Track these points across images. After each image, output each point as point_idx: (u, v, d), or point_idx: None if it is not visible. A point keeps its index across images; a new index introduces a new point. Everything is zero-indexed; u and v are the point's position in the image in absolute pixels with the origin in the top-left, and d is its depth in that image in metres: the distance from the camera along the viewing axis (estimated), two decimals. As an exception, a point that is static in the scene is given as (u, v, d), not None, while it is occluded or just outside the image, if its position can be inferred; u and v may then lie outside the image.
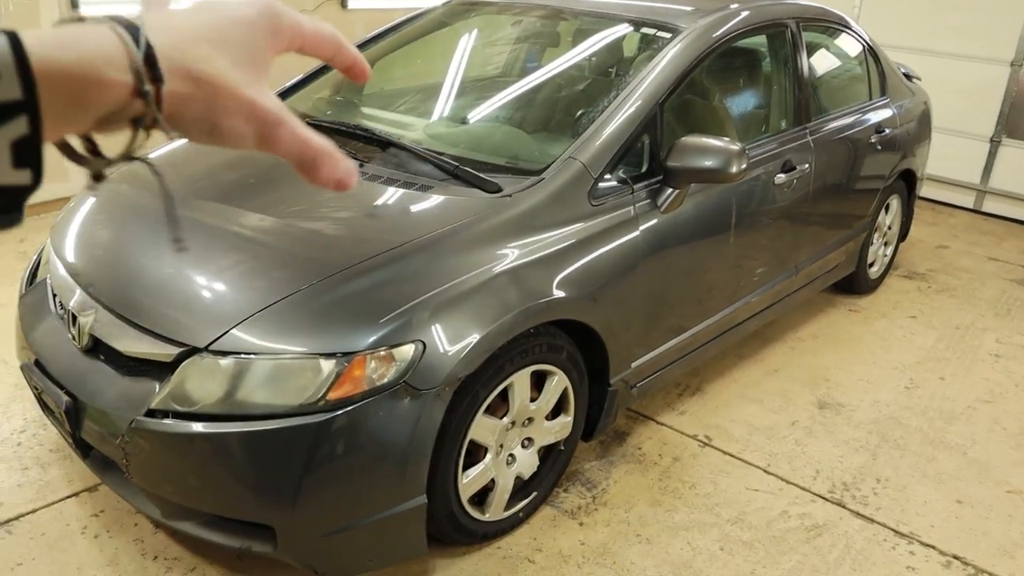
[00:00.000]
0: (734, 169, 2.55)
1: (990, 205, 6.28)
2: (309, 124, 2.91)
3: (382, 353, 1.97)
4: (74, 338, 2.30)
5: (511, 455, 2.47)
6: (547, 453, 2.62)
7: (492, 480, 2.42)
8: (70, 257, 2.48)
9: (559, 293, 2.31)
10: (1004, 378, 3.79)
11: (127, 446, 2.06)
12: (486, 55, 3.78)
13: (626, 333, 2.65)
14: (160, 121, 0.49)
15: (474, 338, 2.08)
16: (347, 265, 2.11)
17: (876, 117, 4.09)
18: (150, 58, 0.47)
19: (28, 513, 2.55)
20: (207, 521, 2.12)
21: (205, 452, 1.99)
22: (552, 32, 3.58)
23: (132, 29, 0.47)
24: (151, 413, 2.03)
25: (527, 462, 2.52)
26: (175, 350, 2.04)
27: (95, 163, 0.52)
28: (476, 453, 2.35)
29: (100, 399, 2.14)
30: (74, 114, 0.46)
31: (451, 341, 2.05)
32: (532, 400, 2.42)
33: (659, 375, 2.95)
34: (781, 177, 3.23)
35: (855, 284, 4.46)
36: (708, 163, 2.56)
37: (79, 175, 5.06)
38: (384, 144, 2.68)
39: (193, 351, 2.02)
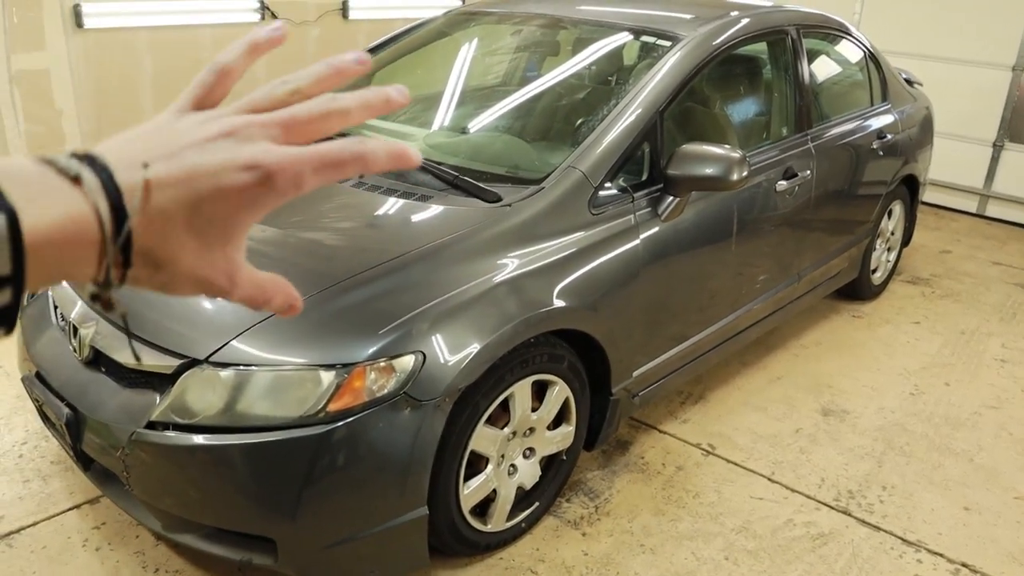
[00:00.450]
0: (735, 177, 2.54)
1: (993, 209, 6.26)
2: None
3: (382, 364, 1.96)
4: (75, 350, 2.30)
5: (513, 465, 2.46)
6: (549, 463, 2.61)
7: (494, 490, 2.41)
8: None
9: (559, 303, 2.30)
10: (1010, 383, 3.77)
11: (127, 458, 2.05)
12: (486, 65, 3.78)
13: (627, 342, 2.64)
14: (111, 293, 0.50)
15: (474, 348, 2.08)
16: (347, 276, 2.10)
17: (877, 123, 4.08)
18: (125, 252, 0.48)
19: (29, 526, 2.54)
20: (208, 533, 2.11)
21: (205, 464, 1.98)
22: (552, 41, 3.59)
23: (118, 214, 0.47)
24: (151, 425, 2.02)
25: (529, 472, 2.51)
26: (175, 362, 2.03)
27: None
28: (477, 464, 2.34)
29: (101, 411, 2.14)
30: (46, 282, 0.47)
31: (451, 352, 2.05)
32: (533, 410, 2.41)
33: (661, 383, 2.93)
34: (783, 184, 3.23)
35: (858, 290, 4.45)
36: (709, 171, 2.56)
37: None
38: (384, 154, 2.67)
39: (193, 363, 2.01)
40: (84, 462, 2.28)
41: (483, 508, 2.43)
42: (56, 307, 2.48)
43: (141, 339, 2.12)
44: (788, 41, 3.50)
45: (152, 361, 2.08)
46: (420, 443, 2.03)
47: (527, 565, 2.48)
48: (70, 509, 2.63)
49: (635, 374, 2.74)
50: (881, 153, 4.04)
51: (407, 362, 1.99)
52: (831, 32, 4.00)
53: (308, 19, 6.03)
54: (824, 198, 3.57)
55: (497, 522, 2.45)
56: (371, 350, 1.96)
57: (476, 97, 3.46)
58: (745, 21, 3.23)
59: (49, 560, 2.42)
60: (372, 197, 2.47)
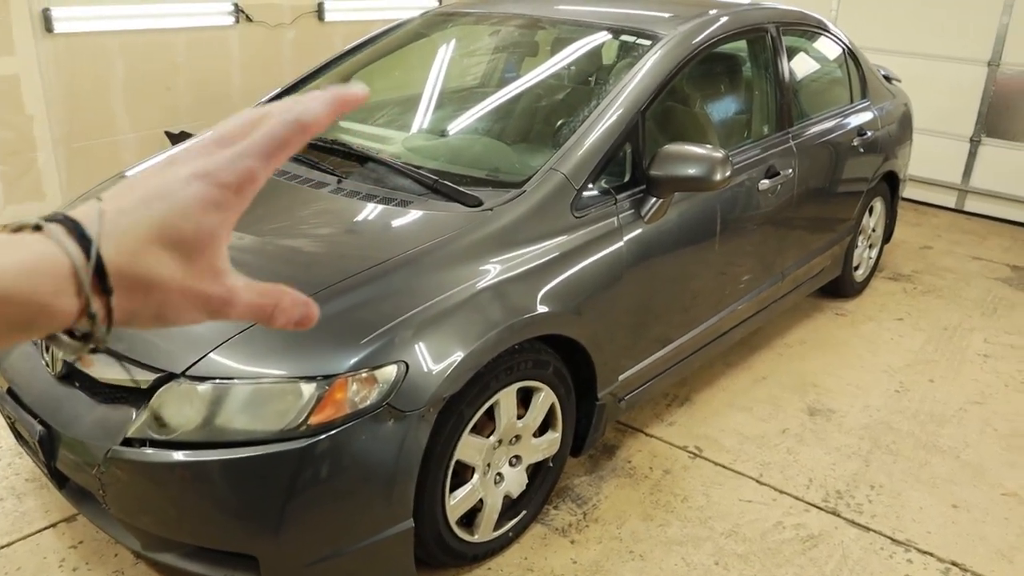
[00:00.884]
0: (718, 177, 2.52)
1: (972, 204, 6.29)
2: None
3: (364, 375, 1.92)
4: (48, 365, 2.23)
5: (499, 474, 2.42)
6: (536, 470, 2.57)
7: (480, 500, 2.36)
8: None
9: (543, 308, 2.26)
10: (993, 379, 3.77)
11: (103, 476, 2.00)
12: (464, 66, 3.74)
13: (612, 346, 2.60)
14: (104, 336, 0.51)
15: (458, 356, 2.03)
16: (326, 284, 2.05)
17: (857, 120, 4.08)
18: (101, 276, 0.48)
19: (4, 546, 2.47)
20: (188, 552, 2.05)
21: (184, 481, 1.93)
22: (530, 42, 3.55)
23: (84, 241, 0.48)
24: (128, 442, 1.96)
25: (516, 480, 2.47)
26: (151, 376, 1.98)
27: (69, 346, 0.52)
28: (463, 473, 2.30)
29: (75, 428, 2.08)
30: (18, 335, 0.48)
31: (434, 360, 2.00)
32: (519, 417, 2.37)
33: (647, 387, 2.91)
34: (765, 183, 3.21)
35: (841, 287, 4.44)
36: (692, 171, 2.53)
37: (55, 195, 4.98)
38: (362, 159, 2.63)
39: (170, 377, 1.96)
40: (59, 480, 2.22)
41: (470, 518, 2.38)
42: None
43: (116, 353, 2.06)
44: (768, 39, 3.48)
45: (127, 375, 2.02)
46: (405, 455, 1.98)
47: (516, 575, 2.44)
48: (46, 528, 2.56)
49: (621, 378, 2.70)
50: (862, 150, 4.04)
51: (389, 372, 1.94)
52: (810, 29, 3.99)
53: (284, 21, 5.96)
54: (806, 196, 3.56)
55: (484, 532, 2.41)
56: (352, 360, 1.91)
57: (455, 99, 3.42)
58: (725, 19, 3.21)
59: (24, 581, 2.35)
60: (351, 203, 2.43)
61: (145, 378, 1.98)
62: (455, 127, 3.00)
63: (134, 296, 0.50)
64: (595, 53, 3.24)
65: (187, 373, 1.94)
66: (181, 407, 1.93)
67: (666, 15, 3.19)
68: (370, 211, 2.38)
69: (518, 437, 2.41)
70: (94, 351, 0.51)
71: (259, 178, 0.54)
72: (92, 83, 5.09)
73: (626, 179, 2.65)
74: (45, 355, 2.24)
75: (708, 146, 2.60)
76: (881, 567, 2.55)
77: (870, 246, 4.63)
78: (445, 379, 2.01)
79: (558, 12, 3.40)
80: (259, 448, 1.87)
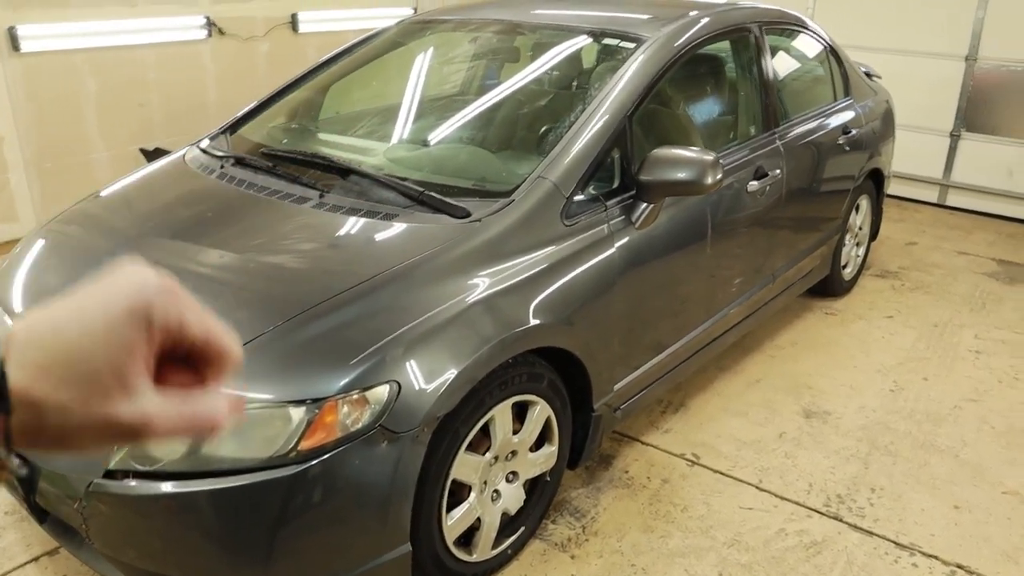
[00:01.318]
0: (709, 180, 2.47)
1: (953, 199, 6.29)
2: (265, 154, 2.82)
3: (355, 397, 1.84)
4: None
5: (496, 491, 2.35)
6: (533, 485, 2.51)
7: (478, 519, 2.29)
8: (17, 306, 2.32)
9: (536, 320, 2.20)
10: (986, 375, 3.75)
11: (85, 510, 1.91)
12: (444, 74, 3.68)
13: (607, 355, 2.55)
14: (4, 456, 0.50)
15: (451, 374, 1.97)
16: (312, 303, 1.98)
17: (842, 118, 4.05)
18: (1, 397, 0.48)
19: (-18, 585, 2.38)
20: (175, 586, 1.97)
21: (170, 514, 1.85)
22: (510, 47, 3.49)
23: None
24: (110, 474, 1.88)
25: (513, 496, 2.41)
26: (131, 405, 1.89)
27: None
28: (459, 492, 2.23)
29: (55, 460, 1.99)
30: None
31: (427, 379, 1.93)
32: (515, 432, 2.31)
33: (642, 395, 2.85)
34: (754, 184, 3.16)
35: (830, 287, 4.41)
36: (682, 175, 2.48)
37: (28, 217, 4.87)
38: (344, 172, 2.56)
39: (151, 405, 1.87)
40: (39, 515, 2.12)
41: (467, 537, 2.31)
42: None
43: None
44: (751, 38, 3.44)
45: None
46: (399, 478, 1.91)
47: (515, 594, 2.38)
48: (28, 563, 2.46)
49: (616, 388, 2.64)
50: (847, 148, 4.01)
51: (381, 393, 1.87)
52: (790, 27, 3.96)
53: (256, 34, 5.88)
54: (795, 196, 3.52)
55: (482, 551, 2.34)
56: (342, 382, 1.84)
57: (436, 108, 3.36)
58: (707, 20, 3.17)
59: (5, 621, 2.26)
60: (334, 218, 2.35)
61: (126, 407, 1.90)
62: (438, 136, 2.93)
63: (34, 420, 0.50)
64: (578, 57, 3.19)
65: (170, 400, 1.86)
66: (164, 436, 1.85)
67: (646, 17, 3.14)
68: (354, 225, 2.31)
69: (514, 452, 2.35)
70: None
71: (188, 333, 0.55)
72: (63, 102, 4.99)
73: (615, 185, 2.59)
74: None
75: (698, 149, 2.55)
76: (887, 572, 2.50)
77: (857, 244, 4.60)
78: (439, 398, 1.94)
79: (537, 17, 3.34)
80: (248, 477, 1.80)
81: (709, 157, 2.50)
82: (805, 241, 3.80)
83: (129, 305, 0.52)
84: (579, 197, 2.45)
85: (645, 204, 2.55)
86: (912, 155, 6.22)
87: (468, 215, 2.28)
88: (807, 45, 4.16)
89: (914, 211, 6.25)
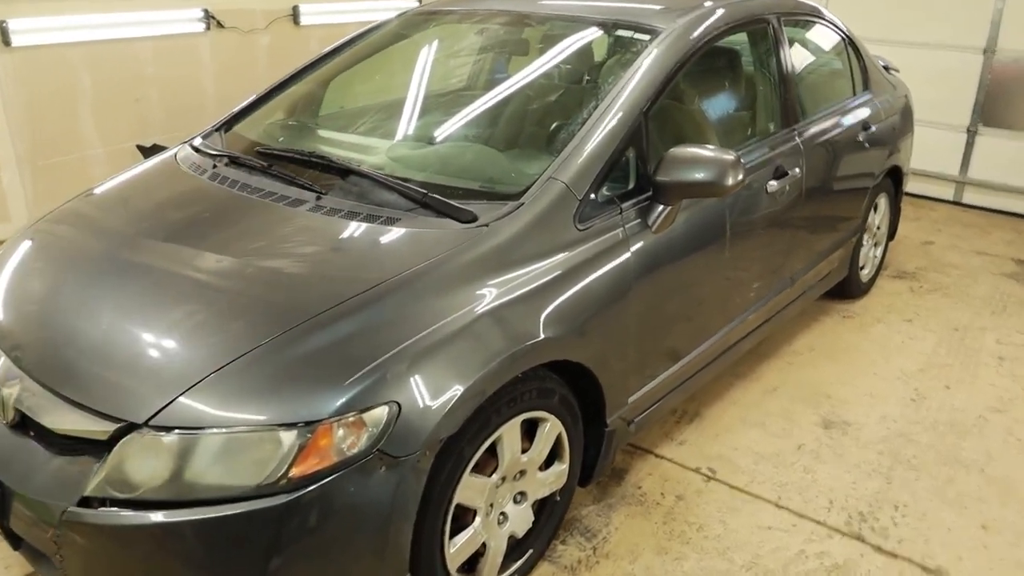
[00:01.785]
0: (730, 181, 2.32)
1: (970, 196, 6.13)
2: (260, 153, 2.67)
3: (351, 419, 1.70)
4: (-1, 412, 2.01)
5: (502, 513, 2.21)
6: (541, 505, 2.36)
7: (483, 544, 2.15)
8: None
9: (548, 332, 2.05)
10: (1011, 383, 3.60)
11: (60, 539, 1.77)
12: (449, 67, 3.53)
13: (621, 367, 2.40)
14: None
15: (456, 392, 1.82)
16: (306, 316, 1.84)
17: (862, 114, 3.89)
18: None
19: (-42, 610, 2.25)
20: (159, 619, 1.83)
21: (151, 545, 1.70)
22: (519, 40, 3.34)
23: None
24: (86, 501, 1.74)
25: (521, 518, 2.26)
26: (111, 426, 1.76)
27: None
28: (463, 516, 2.08)
29: (29, 483, 1.85)
30: None
31: (430, 398, 1.79)
32: (523, 451, 2.16)
33: (658, 406, 2.70)
34: (773, 184, 3.01)
35: (847, 289, 4.26)
36: (701, 176, 2.33)
37: (20, 216, 4.72)
38: (343, 172, 2.41)
39: (131, 427, 1.73)
40: (13, 540, 1.99)
41: (472, 563, 2.17)
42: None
43: (72, 401, 1.83)
44: (769, 30, 3.29)
45: (84, 426, 1.80)
46: (399, 505, 1.77)
47: (523, 622, 2.24)
48: (6, 585, 2.33)
49: (631, 400, 2.50)
50: (867, 145, 3.85)
51: (380, 414, 1.73)
52: (808, 18, 3.80)
53: (257, 27, 5.73)
54: (813, 196, 3.37)
55: (488, 577, 2.20)
56: (338, 403, 1.70)
57: (441, 104, 3.20)
58: (724, 10, 3.01)
59: (-19, 650, 2.13)
60: (332, 222, 2.20)
61: (103, 429, 1.76)
62: (443, 134, 2.78)
63: None
64: (589, 50, 3.03)
65: (151, 423, 1.72)
66: (145, 461, 1.71)
67: (659, 7, 2.99)
68: (354, 230, 2.16)
69: (523, 472, 2.20)
70: None
71: None
72: (56, 97, 4.84)
73: (630, 186, 2.44)
74: (-5, 400, 2.01)
75: (717, 148, 2.40)
76: (917, 598, 2.36)
77: (875, 244, 4.45)
78: (442, 419, 1.79)
79: (546, 7, 3.19)
80: (235, 506, 1.66)
81: (730, 156, 2.35)
82: (824, 242, 3.65)
83: None
84: (593, 199, 2.30)
85: (662, 206, 2.40)
86: (927, 151, 6.05)
87: (475, 219, 2.13)
88: (824, 37, 4.00)
89: (930, 209, 6.09)
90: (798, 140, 3.25)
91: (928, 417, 3.30)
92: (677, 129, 2.86)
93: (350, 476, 1.70)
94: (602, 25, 2.97)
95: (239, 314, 1.89)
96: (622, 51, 2.83)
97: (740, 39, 3.30)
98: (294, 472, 1.66)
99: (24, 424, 1.95)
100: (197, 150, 2.81)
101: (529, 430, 2.19)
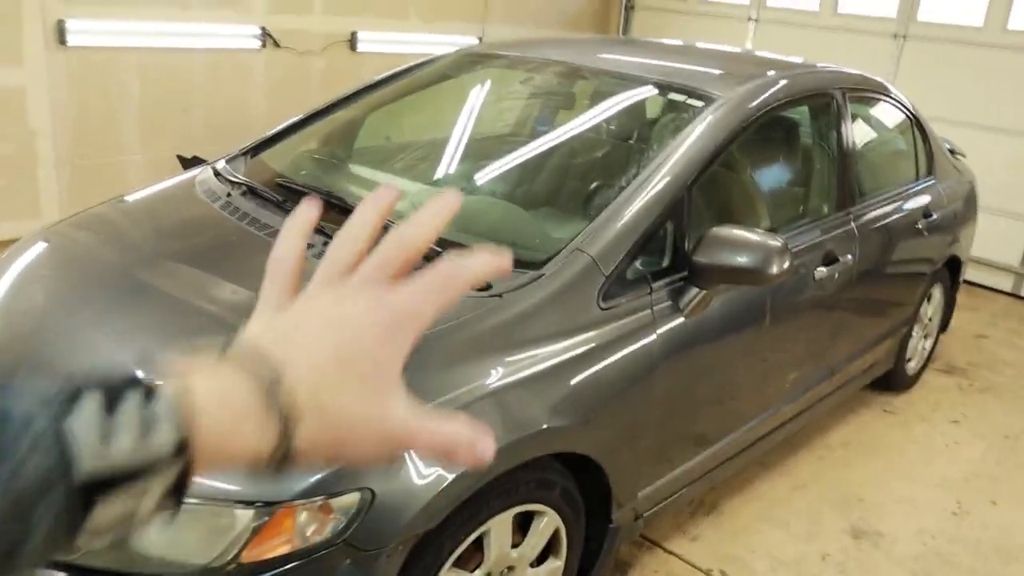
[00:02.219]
0: (774, 269, 2.12)
1: (1031, 290, 5.82)
2: (279, 186, 2.53)
3: (318, 503, 1.53)
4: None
5: (486, 611, 2.01)
6: (531, 602, 2.16)
7: (461, 644, 1.95)
8: None
9: (553, 421, 1.86)
10: (1065, 505, 3.31)
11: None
12: (490, 114, 3.37)
13: (633, 459, 2.20)
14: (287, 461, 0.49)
15: (441, 482, 1.64)
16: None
17: (923, 199, 3.66)
18: (288, 414, 0.48)
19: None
20: None
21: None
22: (567, 92, 3.18)
23: (273, 381, 0.48)
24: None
25: (506, 617, 2.06)
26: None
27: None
28: (440, 613, 1.89)
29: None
30: (210, 467, 0.47)
31: (410, 488, 1.61)
32: (514, 545, 1.97)
33: (671, 500, 2.49)
34: (822, 271, 2.80)
35: (891, 380, 4.00)
36: (743, 261, 2.13)
37: (52, 213, 4.67)
38: (358, 217, 2.26)
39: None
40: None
41: (446, 662, 1.97)
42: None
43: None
44: (834, 106, 3.09)
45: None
46: (363, 604, 1.59)
47: None
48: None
49: (641, 494, 2.29)
50: (926, 233, 3.62)
51: (350, 501, 1.55)
52: (874, 95, 3.60)
53: (313, 49, 5.67)
54: (864, 283, 3.14)
55: None
56: (303, 485, 1.52)
57: (475, 152, 3.04)
58: (786, 81, 2.83)
59: None
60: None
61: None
62: (471, 185, 2.62)
63: (318, 427, 0.50)
64: (638, 112, 2.87)
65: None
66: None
67: (719, 72, 2.82)
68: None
69: (511, 568, 2.01)
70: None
71: (429, 320, 0.54)
72: (103, 100, 4.81)
73: (664, 263, 2.25)
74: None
75: (763, 232, 2.21)
76: None
77: (925, 336, 4.19)
78: (421, 511, 1.61)
79: (600, 62, 3.04)
80: (178, 587, 1.49)
81: (776, 243, 2.15)
82: (870, 333, 3.42)
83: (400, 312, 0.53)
84: (621, 276, 2.11)
85: (697, 290, 2.21)
86: (987, 238, 5.72)
87: (489, 287, 1.95)
88: (889, 115, 3.80)
89: (986, 299, 5.79)
90: (853, 225, 3.03)
91: (971, 536, 3.03)
92: (722, 201, 2.68)
93: (309, 567, 1.52)
94: (656, 86, 2.80)
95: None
96: (672, 117, 2.67)
97: (799, 112, 3.12)
98: (246, 556, 1.49)
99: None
100: (217, 174, 2.69)
101: (523, 521, 1.99)
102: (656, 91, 2.81)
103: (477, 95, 3.20)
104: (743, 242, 2.16)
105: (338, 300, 0.54)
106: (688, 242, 2.27)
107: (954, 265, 4.18)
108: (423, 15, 6.20)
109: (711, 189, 2.60)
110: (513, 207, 2.47)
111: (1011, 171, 5.68)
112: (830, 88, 3.10)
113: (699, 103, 2.57)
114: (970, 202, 4.26)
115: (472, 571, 1.88)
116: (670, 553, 2.74)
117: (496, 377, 1.81)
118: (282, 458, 0.49)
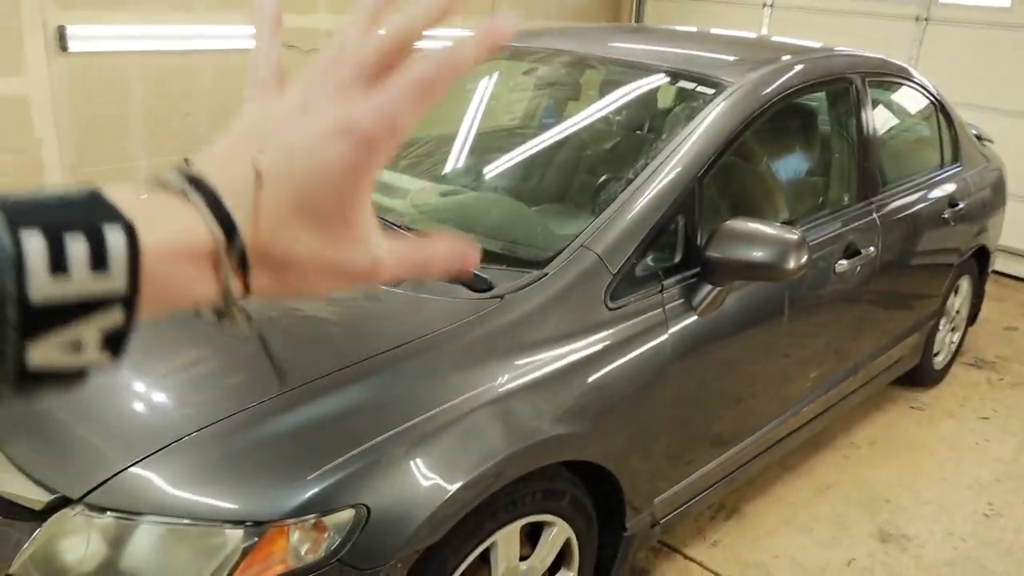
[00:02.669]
0: (791, 265, 2.02)
1: (1063, 280, 5.65)
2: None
3: (311, 522, 1.44)
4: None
5: (494, 627, 1.92)
6: (543, 615, 2.07)
7: (468, 661, 1.87)
8: None
9: (560, 429, 1.77)
10: (1102, 503, 3.18)
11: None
12: (493, 108, 3.27)
13: (647, 466, 2.10)
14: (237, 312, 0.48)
15: (442, 496, 1.55)
16: (274, 392, 1.58)
17: (949, 188, 3.53)
18: (241, 259, 0.46)
19: None
20: None
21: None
22: (574, 83, 3.08)
23: (227, 223, 0.45)
24: (6, 582, 1.52)
25: (516, 632, 1.97)
26: (45, 497, 1.53)
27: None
28: (446, 630, 1.80)
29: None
30: (159, 304, 0.45)
31: (408, 503, 1.52)
32: (523, 558, 1.88)
33: (689, 505, 2.39)
34: (843, 264, 2.69)
35: (917, 376, 3.87)
36: (758, 255, 2.03)
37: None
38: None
39: (65, 502, 1.51)
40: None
41: None
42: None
43: (14, 461, 1.62)
44: (852, 91, 2.97)
45: (21, 491, 1.58)
46: (359, 625, 1.50)
47: None
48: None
49: (656, 501, 2.20)
50: (952, 224, 3.49)
51: (344, 519, 1.46)
52: (894, 79, 3.47)
53: (318, 48, 5.59)
54: (888, 276, 3.02)
55: None
56: (295, 503, 1.44)
57: (478, 147, 2.94)
58: (801, 66, 2.72)
59: None
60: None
61: (37, 499, 1.54)
62: (472, 181, 2.53)
63: (271, 273, 0.48)
64: (647, 101, 2.76)
65: (87, 499, 1.49)
66: (75, 544, 1.48)
67: (731, 58, 2.71)
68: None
69: (521, 581, 1.92)
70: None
71: (406, 130, 0.49)
72: (107, 106, 4.75)
73: (676, 259, 2.15)
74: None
75: (780, 225, 2.10)
76: None
77: (952, 329, 4.06)
78: (420, 527, 1.52)
79: (608, 50, 2.94)
80: (165, 612, 1.41)
81: (793, 236, 2.04)
82: (895, 327, 3.30)
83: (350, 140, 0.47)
84: (629, 273, 2.01)
85: (711, 286, 2.10)
86: (1017, 227, 5.59)
87: (489, 288, 1.86)
88: (912, 100, 3.66)
89: (1015, 290, 5.63)
90: (875, 215, 2.92)
91: (1004, 540, 2.91)
92: (737, 193, 2.57)
93: (301, 589, 1.44)
94: (665, 74, 2.70)
95: (203, 382, 1.66)
96: (682, 106, 2.56)
97: (818, 96, 3.00)
98: (236, 579, 1.41)
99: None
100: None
101: (532, 532, 1.90)
102: (666, 79, 2.70)
103: (480, 89, 3.10)
104: (759, 236, 2.05)
105: (305, 110, 0.49)
106: (701, 236, 2.16)
107: (982, 255, 4.04)
108: (430, 11, 6.12)
109: (724, 180, 2.50)
110: (515, 203, 2.37)
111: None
112: (848, 73, 2.98)
113: (710, 91, 2.46)
114: (998, 190, 4.12)
115: (478, 587, 1.80)
116: (690, 559, 2.63)
117: (499, 384, 1.71)
118: (232, 301, 0.47)
